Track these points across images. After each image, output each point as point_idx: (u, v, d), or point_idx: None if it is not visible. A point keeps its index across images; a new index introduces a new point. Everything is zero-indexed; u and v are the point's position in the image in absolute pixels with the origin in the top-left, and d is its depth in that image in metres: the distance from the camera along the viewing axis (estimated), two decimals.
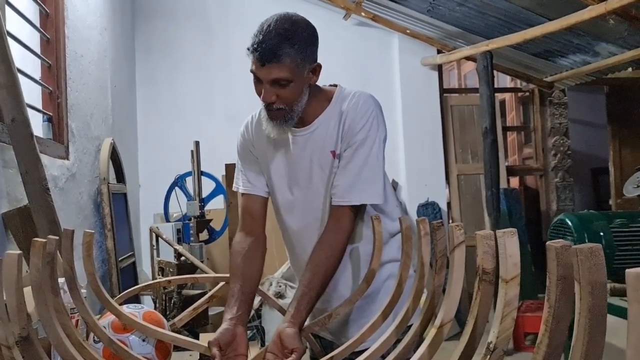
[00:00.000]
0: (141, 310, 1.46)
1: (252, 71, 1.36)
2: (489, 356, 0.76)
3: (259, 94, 1.39)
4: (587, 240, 2.27)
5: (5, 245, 2.01)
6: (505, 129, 5.49)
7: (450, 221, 5.03)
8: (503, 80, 5.81)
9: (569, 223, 2.37)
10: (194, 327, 3.87)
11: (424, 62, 5.00)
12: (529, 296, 4.34)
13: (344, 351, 1.26)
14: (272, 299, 1.77)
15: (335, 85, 1.52)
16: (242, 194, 1.55)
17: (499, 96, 5.12)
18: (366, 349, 1.18)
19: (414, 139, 4.98)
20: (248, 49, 1.34)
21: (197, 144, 4.11)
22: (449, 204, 5.12)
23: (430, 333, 0.97)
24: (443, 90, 5.19)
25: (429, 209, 4.88)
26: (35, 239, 0.99)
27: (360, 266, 1.52)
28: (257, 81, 1.37)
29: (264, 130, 1.44)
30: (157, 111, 4.98)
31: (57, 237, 1.06)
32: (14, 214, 1.97)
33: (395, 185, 5.01)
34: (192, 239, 4.08)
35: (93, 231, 1.40)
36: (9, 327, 0.75)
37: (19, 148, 1.91)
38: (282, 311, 1.76)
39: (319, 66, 1.42)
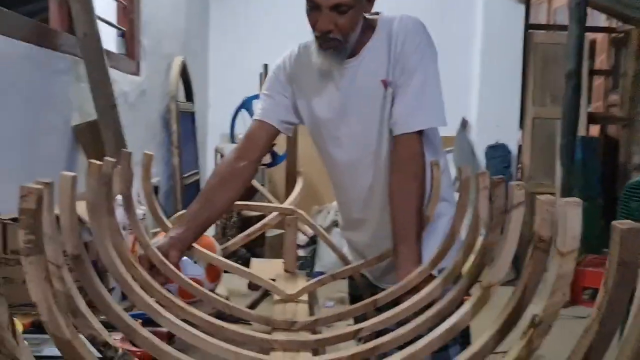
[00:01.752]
0: None
1: None
2: (532, 329, 0.72)
3: (313, 24, 1.33)
4: None
5: (76, 155, 2.10)
6: (592, 73, 5.10)
7: (519, 166, 4.84)
8: (596, 18, 5.34)
9: None
10: (251, 248, 4.02)
11: None
12: (593, 250, 4.18)
13: (387, 296, 1.26)
14: (322, 233, 1.77)
15: (377, 14, 1.44)
16: (254, 120, 1.50)
17: (589, 36, 4.72)
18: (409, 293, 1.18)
19: (490, 76, 4.75)
20: None
21: (265, 67, 4.09)
22: (520, 148, 4.92)
23: (476, 293, 0.93)
24: (528, 26, 4.84)
25: (498, 151, 4.71)
26: (91, 160, 1.01)
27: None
28: (313, 8, 1.30)
29: (313, 64, 1.39)
30: (229, 32, 4.94)
31: (113, 160, 1.08)
32: (84, 127, 2.04)
33: (464, 124, 4.84)
34: None
35: (152, 153, 1.42)
36: (59, 246, 0.78)
37: (89, 63, 1.95)
38: (332, 247, 1.77)
39: None
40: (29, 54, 1.74)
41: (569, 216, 0.69)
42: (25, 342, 0.66)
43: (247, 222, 3.72)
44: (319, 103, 1.44)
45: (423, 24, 1.40)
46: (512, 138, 4.83)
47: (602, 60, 5.41)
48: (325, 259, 4.43)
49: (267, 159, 4.37)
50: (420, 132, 1.35)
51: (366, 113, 1.40)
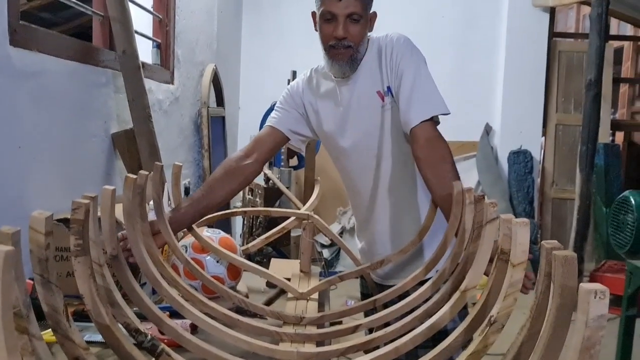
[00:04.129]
0: (218, 235, 1.66)
1: (324, 11, 1.46)
2: (488, 327, 0.86)
3: (329, 34, 1.48)
4: None
5: (114, 160, 2.30)
6: (618, 81, 5.12)
7: (540, 172, 4.89)
8: (624, 26, 5.35)
9: (632, 201, 2.30)
10: (277, 246, 4.19)
11: (535, 3, 4.72)
12: (614, 257, 4.22)
13: (387, 295, 1.41)
14: (337, 237, 1.92)
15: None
16: (265, 126, 1.65)
17: (615, 44, 4.74)
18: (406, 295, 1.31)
19: (514, 82, 4.81)
20: None
21: (293, 73, 4.25)
22: (543, 154, 4.97)
23: (454, 295, 1.07)
24: (553, 34, 4.89)
25: (520, 157, 4.77)
26: (128, 175, 1.18)
27: (420, 218, 1.61)
28: (329, 20, 1.47)
29: (321, 85, 1.59)
30: (261, 37, 5.13)
31: (147, 173, 1.25)
32: (121, 135, 2.24)
33: (488, 130, 4.92)
34: (282, 164, 4.32)
35: (181, 164, 1.59)
36: (100, 248, 0.95)
37: (127, 77, 2.14)
38: (346, 250, 1.92)
39: (375, 15, 1.53)
40: (74, 70, 1.94)
41: (519, 234, 0.83)
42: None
43: (273, 221, 3.89)
44: (325, 118, 1.62)
45: (407, 36, 1.54)
46: (535, 144, 4.89)
47: (627, 68, 5.41)
48: (348, 259, 4.57)
49: (294, 161, 4.54)
50: (430, 121, 1.44)
51: (365, 124, 1.56)
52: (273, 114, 1.67)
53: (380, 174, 1.59)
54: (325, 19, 1.47)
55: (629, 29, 5.34)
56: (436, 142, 1.42)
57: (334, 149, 1.65)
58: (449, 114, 1.48)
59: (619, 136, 5.30)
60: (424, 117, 1.44)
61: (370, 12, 1.50)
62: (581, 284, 0.57)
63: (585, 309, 0.56)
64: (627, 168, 4.98)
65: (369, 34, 1.55)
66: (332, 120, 1.60)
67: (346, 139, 1.59)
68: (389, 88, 1.52)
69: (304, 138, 1.68)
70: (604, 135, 4.51)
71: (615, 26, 5.55)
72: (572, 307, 0.65)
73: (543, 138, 4.94)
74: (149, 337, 0.98)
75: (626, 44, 5.38)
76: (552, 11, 4.79)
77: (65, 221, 1.53)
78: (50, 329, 1.21)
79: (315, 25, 1.56)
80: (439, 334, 1.08)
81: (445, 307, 1.07)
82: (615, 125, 4.95)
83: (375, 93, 1.53)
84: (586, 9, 6.11)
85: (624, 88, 5.51)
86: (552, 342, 0.65)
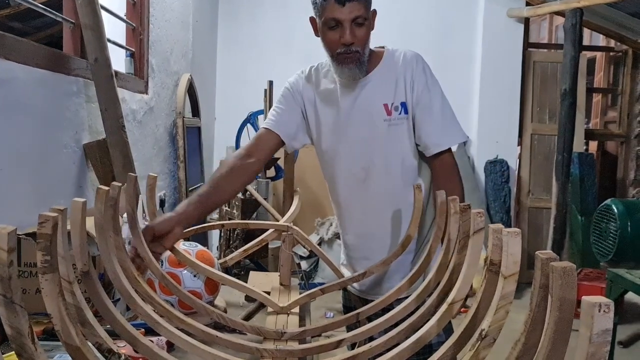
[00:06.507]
0: (195, 249, 1.61)
1: (327, 19, 1.44)
2: (480, 342, 0.82)
3: (335, 41, 1.46)
4: (629, 229, 2.21)
5: (86, 172, 2.23)
6: (591, 90, 5.20)
7: (516, 181, 4.93)
8: (596, 36, 5.44)
9: (615, 209, 2.31)
10: (254, 258, 4.12)
11: (510, 14, 4.78)
12: (590, 265, 4.26)
13: (371, 309, 1.37)
14: (317, 248, 1.88)
15: (382, 47, 1.59)
16: (264, 127, 1.62)
17: (587, 54, 4.82)
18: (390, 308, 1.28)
19: (490, 93, 4.85)
20: None
21: (270, 83, 4.21)
22: (519, 163, 5.01)
23: (441, 308, 1.04)
24: (527, 45, 4.96)
25: (497, 167, 4.79)
26: (100, 186, 1.12)
27: (401, 230, 1.59)
28: (334, 26, 1.44)
29: (321, 84, 1.57)
30: (236, 47, 5.09)
31: (120, 184, 1.19)
32: (93, 145, 2.17)
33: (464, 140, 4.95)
34: (259, 175, 4.27)
35: (156, 175, 1.54)
36: (70, 264, 0.89)
37: (99, 86, 2.08)
38: (327, 261, 1.87)
39: (375, 13, 1.52)
40: (43, 79, 1.87)
41: (511, 244, 0.80)
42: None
43: (251, 234, 3.83)
44: (323, 118, 1.59)
45: (421, 55, 1.56)
46: (511, 154, 4.93)
47: (600, 78, 5.51)
48: (326, 271, 4.53)
49: (271, 172, 4.49)
50: (449, 150, 1.53)
51: (364, 132, 1.53)
52: (271, 115, 1.64)
53: (369, 187, 1.56)
54: (329, 26, 1.45)
55: (601, 40, 5.43)
56: (457, 171, 1.54)
57: (327, 151, 1.62)
58: (467, 139, 1.55)
59: (593, 145, 5.38)
60: (453, 143, 1.53)
61: (371, 9, 1.49)
62: (584, 297, 0.54)
63: (589, 324, 0.53)
64: (601, 177, 5.04)
65: (373, 48, 1.55)
66: (330, 122, 1.58)
67: (341, 142, 1.57)
68: (403, 104, 1.51)
69: (298, 143, 1.65)
70: (579, 145, 4.56)
71: (588, 37, 5.66)
72: (572, 320, 0.62)
73: (519, 147, 4.98)
74: (123, 357, 0.93)
75: (598, 54, 5.47)
76: (526, 22, 4.85)
77: (34, 235, 1.46)
78: (13, 352, 1.14)
79: (315, 32, 1.53)
80: (423, 349, 1.05)
81: (432, 321, 1.04)
82: (589, 135, 5.02)
83: (380, 105, 1.51)
84: (559, 20, 6.21)
85: (597, 98, 5.60)
86: (551, 357, 0.62)
